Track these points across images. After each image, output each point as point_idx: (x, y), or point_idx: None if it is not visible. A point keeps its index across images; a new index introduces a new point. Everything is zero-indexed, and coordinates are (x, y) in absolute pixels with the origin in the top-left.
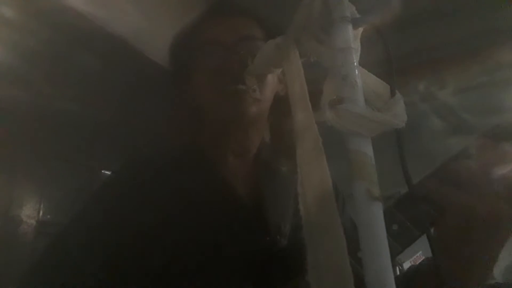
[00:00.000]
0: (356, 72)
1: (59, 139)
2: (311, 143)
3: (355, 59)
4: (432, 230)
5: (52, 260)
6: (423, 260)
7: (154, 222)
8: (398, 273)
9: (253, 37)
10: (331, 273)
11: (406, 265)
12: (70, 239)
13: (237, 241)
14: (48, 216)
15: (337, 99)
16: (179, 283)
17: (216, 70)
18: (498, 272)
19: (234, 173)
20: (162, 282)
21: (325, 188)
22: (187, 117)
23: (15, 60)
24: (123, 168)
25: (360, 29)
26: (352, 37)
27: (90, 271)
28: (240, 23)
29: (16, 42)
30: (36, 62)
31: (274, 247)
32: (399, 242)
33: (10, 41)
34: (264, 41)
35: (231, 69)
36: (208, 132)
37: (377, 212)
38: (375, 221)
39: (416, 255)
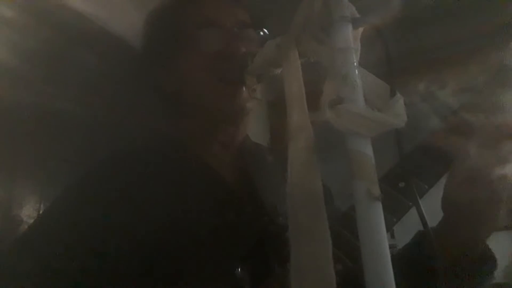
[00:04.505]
0: (356, 72)
1: (59, 139)
2: (304, 143)
3: (355, 59)
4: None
5: (23, 253)
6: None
7: (145, 214)
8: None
9: (247, 23)
10: (314, 276)
11: None
12: (55, 234)
13: (235, 225)
14: None
15: (337, 99)
16: (176, 271)
17: (217, 54)
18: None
19: (221, 162)
20: (156, 271)
21: (314, 190)
22: (170, 104)
23: (15, 60)
24: (107, 160)
25: (360, 29)
26: (352, 37)
27: (76, 266)
28: (236, 9)
29: (16, 42)
30: (36, 62)
31: (274, 226)
32: (410, 199)
33: (10, 41)
34: (254, 30)
35: (233, 54)
36: (196, 121)
37: (377, 212)
38: (375, 221)
39: None
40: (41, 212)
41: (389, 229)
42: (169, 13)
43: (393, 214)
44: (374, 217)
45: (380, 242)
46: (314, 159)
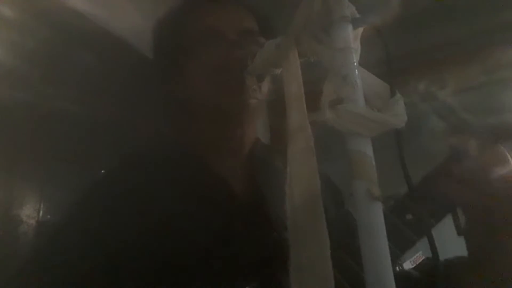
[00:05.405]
0: (356, 72)
1: (59, 139)
2: (303, 143)
3: (355, 59)
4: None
5: (44, 259)
6: (423, 260)
7: (152, 222)
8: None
9: (252, 30)
10: (313, 276)
11: (407, 266)
12: (63, 238)
13: (243, 239)
14: (48, 216)
15: (337, 99)
16: (183, 282)
17: (219, 65)
18: None
19: (231, 171)
20: (164, 281)
21: (312, 190)
22: (178, 111)
23: (15, 60)
24: (117, 166)
25: (360, 29)
26: (352, 37)
27: (84, 271)
28: (239, 15)
29: (16, 42)
30: (36, 62)
31: (282, 241)
32: (415, 233)
33: (10, 41)
34: (261, 36)
35: (235, 65)
36: (203, 128)
37: (377, 212)
38: (375, 221)
39: (416, 255)
40: (41, 213)
41: (394, 262)
42: (174, 21)
43: (398, 246)
44: (374, 217)
45: (380, 242)
46: (314, 160)
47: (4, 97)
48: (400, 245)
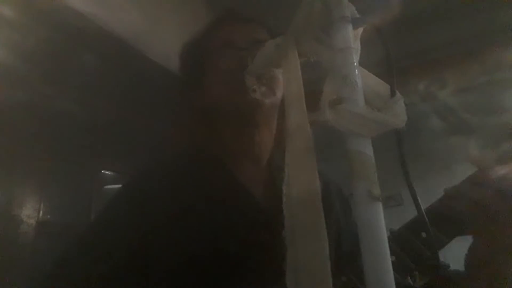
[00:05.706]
0: (356, 72)
1: (59, 139)
2: (302, 143)
3: (355, 59)
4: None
5: (70, 264)
6: None
7: (174, 228)
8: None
9: (262, 39)
10: (311, 276)
11: None
12: (90, 242)
13: (263, 246)
14: (48, 216)
15: (337, 99)
16: (205, 284)
17: (231, 69)
18: None
19: (251, 178)
20: (185, 282)
21: (312, 189)
22: (200, 121)
23: (15, 60)
24: (141, 174)
25: (360, 29)
26: (352, 37)
27: (109, 276)
28: (251, 28)
29: (16, 42)
30: (36, 62)
31: None
32: (430, 250)
33: (10, 41)
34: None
35: (245, 68)
36: (222, 134)
37: (377, 212)
38: (375, 221)
39: None
40: (41, 213)
41: (410, 273)
42: (195, 42)
43: (413, 261)
44: (374, 217)
45: (380, 242)
46: (313, 160)
47: (4, 97)
48: (415, 260)
